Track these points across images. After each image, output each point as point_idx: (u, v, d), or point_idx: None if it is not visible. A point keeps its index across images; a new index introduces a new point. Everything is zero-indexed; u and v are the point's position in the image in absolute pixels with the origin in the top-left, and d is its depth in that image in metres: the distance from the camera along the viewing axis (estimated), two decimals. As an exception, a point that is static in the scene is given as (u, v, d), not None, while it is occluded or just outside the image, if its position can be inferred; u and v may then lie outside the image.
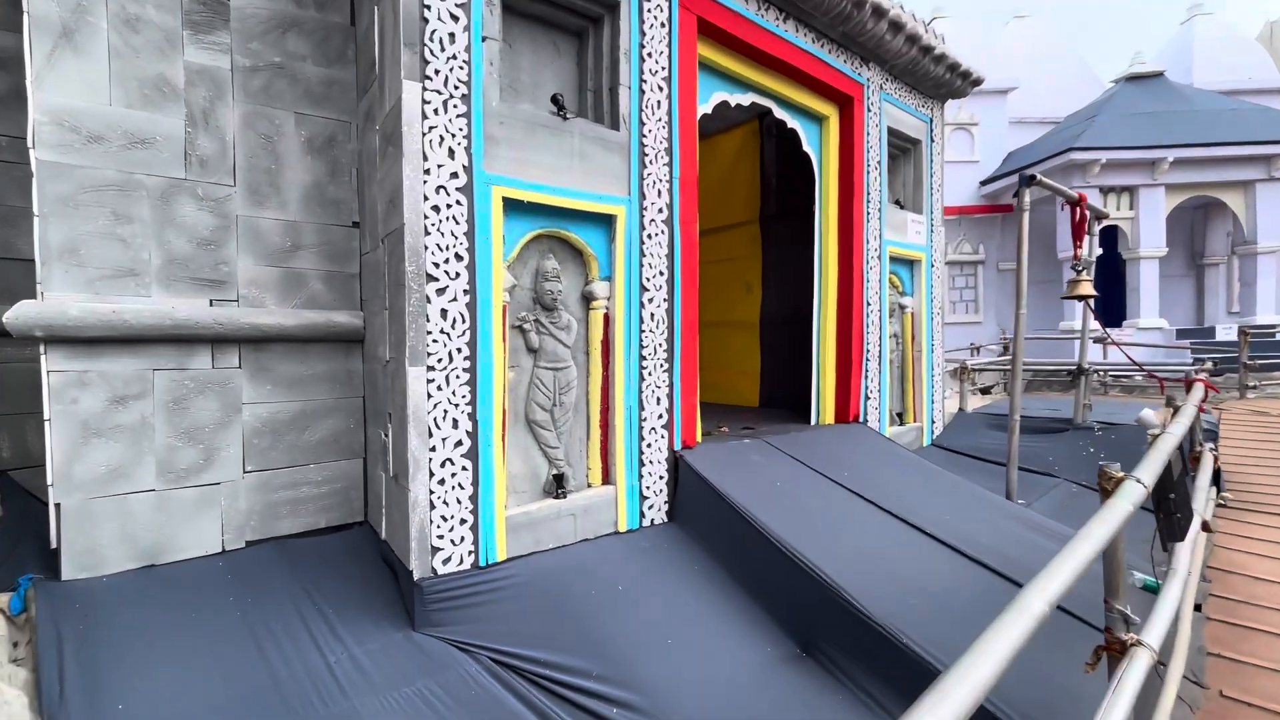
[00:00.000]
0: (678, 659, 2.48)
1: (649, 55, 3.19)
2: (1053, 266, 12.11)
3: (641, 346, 3.21)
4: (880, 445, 4.39)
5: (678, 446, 3.41)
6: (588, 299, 3.13)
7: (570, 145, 2.91)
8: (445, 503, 2.52)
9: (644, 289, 3.21)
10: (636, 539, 3.14)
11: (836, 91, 4.43)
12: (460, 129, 2.53)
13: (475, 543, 2.62)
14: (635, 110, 3.14)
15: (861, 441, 4.36)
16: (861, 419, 4.70)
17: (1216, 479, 4.02)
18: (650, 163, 3.22)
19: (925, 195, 5.40)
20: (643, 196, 3.19)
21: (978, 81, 5.46)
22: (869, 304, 4.74)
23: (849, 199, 4.58)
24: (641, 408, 3.22)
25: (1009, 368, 7.88)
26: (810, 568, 2.68)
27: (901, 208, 5.24)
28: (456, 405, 2.54)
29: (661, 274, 3.29)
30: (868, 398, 4.75)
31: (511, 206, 2.76)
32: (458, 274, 2.54)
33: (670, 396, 3.36)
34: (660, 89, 3.25)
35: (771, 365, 5.52)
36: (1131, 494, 1.68)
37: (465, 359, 2.56)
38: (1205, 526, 2.84)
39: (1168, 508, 2.23)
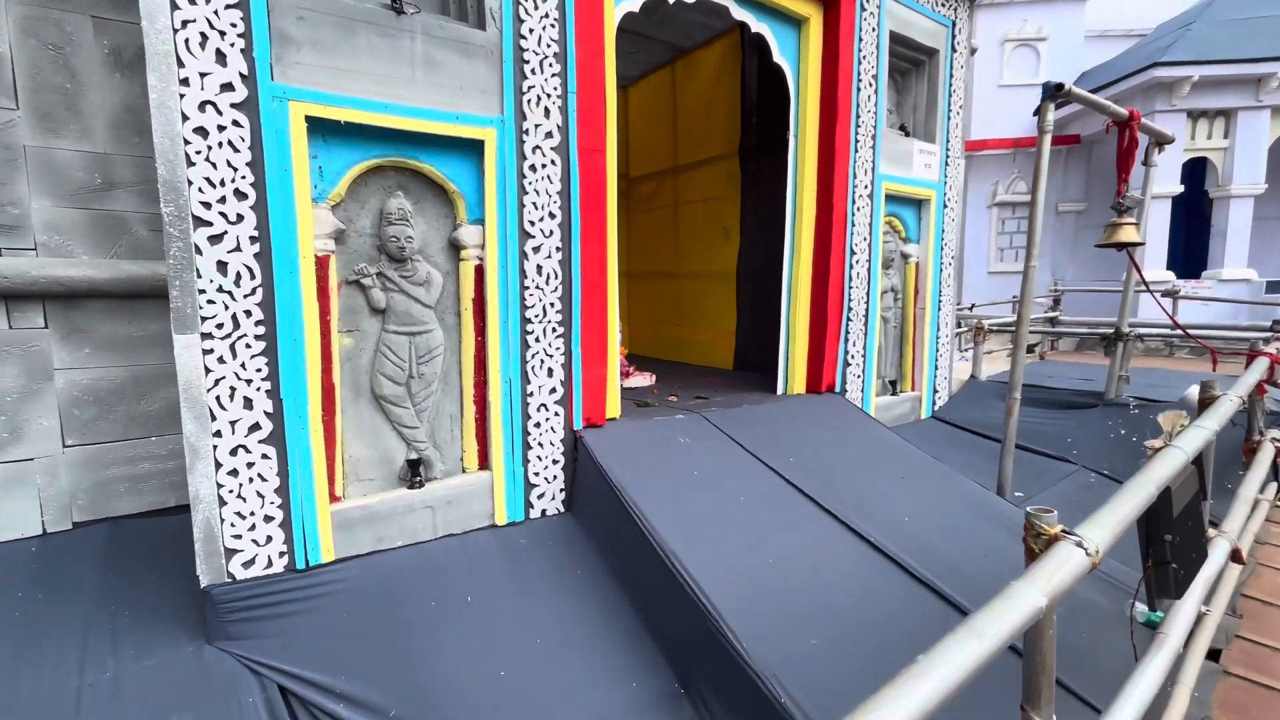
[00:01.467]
0: (511, 696, 2.02)
1: (529, -72, 2.46)
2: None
3: (524, 306, 2.64)
4: (852, 423, 3.73)
5: (579, 425, 2.87)
6: (456, 247, 2.56)
7: (410, 49, 2.27)
8: (241, 497, 2.09)
9: (526, 234, 2.61)
10: (516, 534, 2.67)
11: (817, -15, 3.54)
12: (233, 25, 1.94)
13: (289, 542, 2.19)
14: (508, 2, 2.45)
15: (829, 418, 3.71)
16: (839, 389, 4.02)
17: (1278, 473, 3.20)
18: (533, 72, 2.54)
19: (940, 120, 4.45)
20: (521, 116, 2.54)
21: (1018, -29, 4.36)
22: (853, 253, 3.96)
23: (831, 124, 3.75)
24: (526, 380, 2.68)
25: (1051, 326, 6.88)
26: (693, 589, 2.14)
27: (907, 135, 4.33)
28: (249, 381, 2.07)
29: (552, 216, 2.67)
30: (847, 364, 4.05)
31: (327, 129, 2.18)
32: (240, 216, 2.00)
33: (567, 367, 2.80)
34: (546, -26, 2.53)
35: (748, 323, 4.84)
36: (1065, 565, 1.05)
37: (259, 324, 2.07)
38: (1237, 556, 2.13)
39: (1160, 554, 1.56)
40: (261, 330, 2.07)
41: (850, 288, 3.98)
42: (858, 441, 3.50)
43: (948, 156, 4.54)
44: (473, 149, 2.47)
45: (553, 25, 2.56)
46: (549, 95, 2.59)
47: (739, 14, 3.45)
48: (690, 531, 2.43)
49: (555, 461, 2.80)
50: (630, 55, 5.24)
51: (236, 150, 1.98)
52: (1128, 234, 3.51)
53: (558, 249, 2.70)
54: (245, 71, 1.97)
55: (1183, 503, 1.62)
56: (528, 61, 2.52)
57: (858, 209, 3.94)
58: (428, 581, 2.36)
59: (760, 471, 2.95)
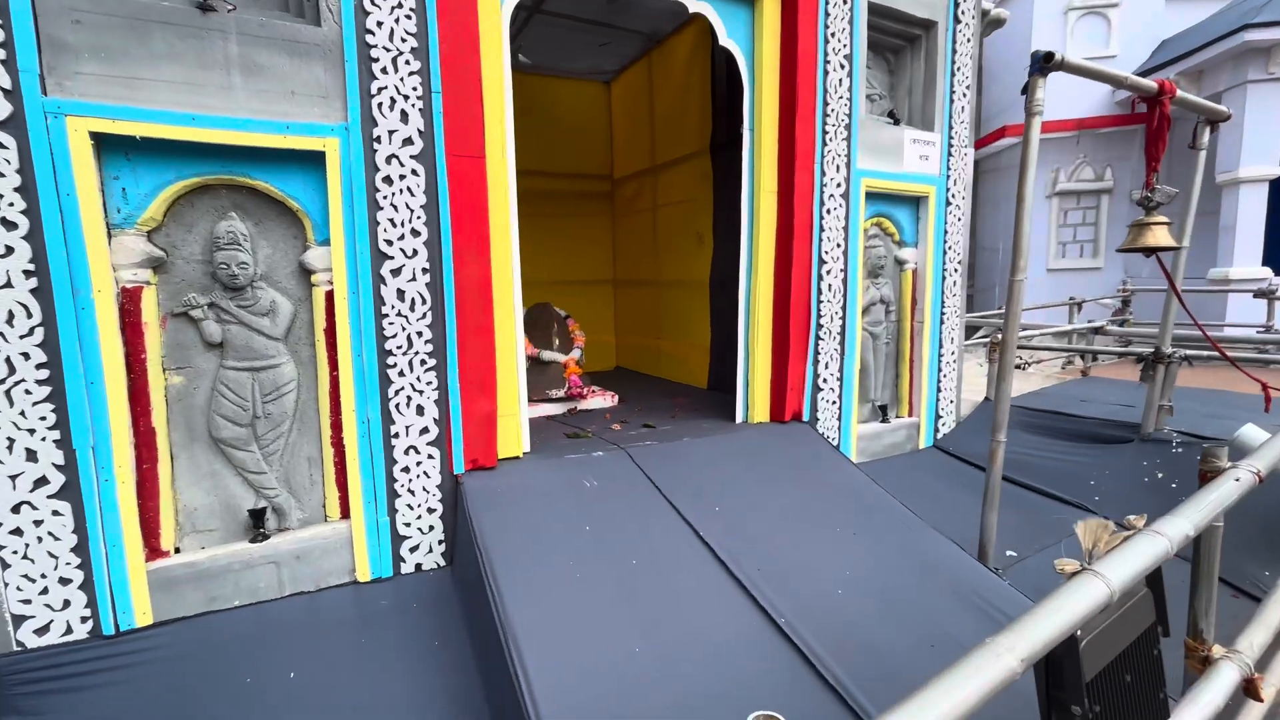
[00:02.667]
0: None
1: (373, -96, 2.14)
2: (1212, 195, 9.24)
3: (383, 336, 2.33)
4: (812, 460, 3.22)
5: (460, 469, 2.54)
6: (307, 272, 2.29)
7: (223, 52, 2.00)
8: (28, 558, 1.89)
9: (383, 255, 2.30)
10: (379, 593, 2.37)
11: (769, -49, 3.05)
12: (-11, 33, 1.72)
13: (92, 605, 1.98)
14: (347, -9, 2.14)
15: (784, 454, 3.22)
16: (807, 417, 3.51)
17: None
18: (384, 71, 2.23)
19: (941, 104, 3.83)
20: (370, 122, 2.23)
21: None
22: (823, 261, 3.44)
23: (791, 114, 3.24)
24: (389, 419, 2.38)
25: (1088, 343, 5.95)
26: (523, 692, 1.77)
27: (896, 122, 3.74)
28: (32, 431, 1.86)
29: (415, 234, 2.34)
30: (818, 388, 3.53)
31: (129, 147, 1.94)
32: (9, 248, 1.79)
33: (443, 403, 2.47)
34: (397, -43, 2.20)
35: (722, 339, 4.36)
36: None
37: (40, 367, 1.85)
38: (1252, 689, 1.55)
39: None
40: (45, 374, 1.86)
41: (820, 301, 3.46)
42: (812, 484, 3.00)
43: (951, 146, 3.91)
44: (314, 161, 2.18)
45: (408, 17, 2.24)
46: (406, 97, 2.27)
47: (672, -9, 3.01)
48: (549, 612, 2.05)
49: (431, 510, 2.48)
50: (603, 48, 4.86)
51: (2, 175, 1.76)
52: (1157, 236, 2.83)
53: (424, 270, 2.37)
54: (8, 86, 1.75)
55: (1109, 655, 1.12)
56: (377, 60, 2.20)
57: (828, 211, 3.41)
58: (258, 650, 2.09)
59: (671, 527, 2.53)
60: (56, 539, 1.91)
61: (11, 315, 1.80)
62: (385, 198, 2.27)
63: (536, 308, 4.52)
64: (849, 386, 3.66)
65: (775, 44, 3.24)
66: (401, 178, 2.29)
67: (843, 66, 3.35)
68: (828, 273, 3.47)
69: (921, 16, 3.67)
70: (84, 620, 1.97)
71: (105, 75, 1.86)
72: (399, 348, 2.36)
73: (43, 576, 1.91)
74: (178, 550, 2.19)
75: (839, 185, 3.44)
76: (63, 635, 1.95)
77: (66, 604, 1.95)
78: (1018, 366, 7.19)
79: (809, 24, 3.17)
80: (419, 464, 2.44)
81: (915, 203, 3.92)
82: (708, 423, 3.55)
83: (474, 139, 2.41)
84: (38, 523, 1.89)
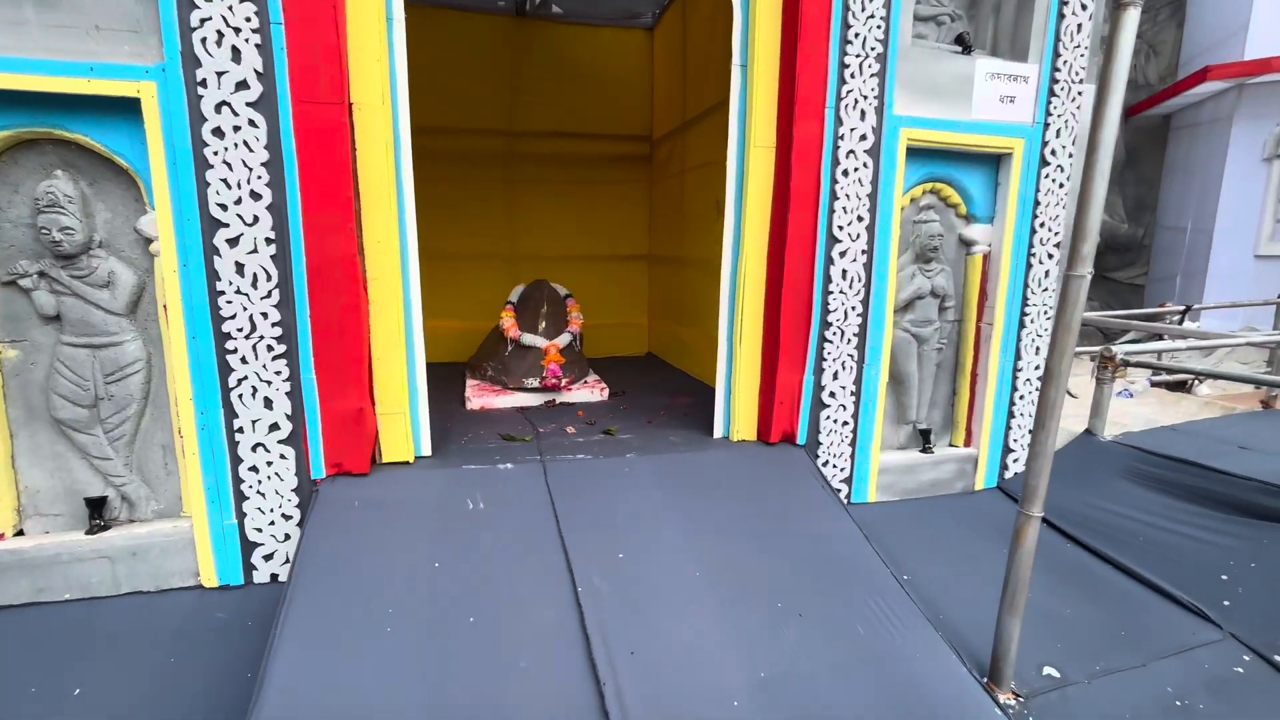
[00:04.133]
0: None
1: None
2: None
3: (220, 317, 2.01)
4: (786, 499, 2.49)
5: (319, 473, 2.20)
6: (147, 240, 2.03)
7: (10, -21, 1.73)
8: None
9: (216, 223, 1.96)
10: (221, 602, 2.12)
11: None
12: None
13: (-87, 584, 1.91)
14: (157, -99, 1.77)
15: (749, 488, 2.52)
16: (802, 439, 2.75)
17: None
18: (206, 0, 1.85)
19: (1044, 25, 2.74)
20: (193, 63, 1.87)
21: None
22: (834, 239, 2.62)
23: (791, 41, 2.44)
24: (232, 412, 2.08)
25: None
26: (228, 782, 1.38)
27: (966, 49, 2.74)
28: None
29: (256, 197, 1.98)
30: (821, 403, 2.75)
31: (-74, 96, 1.76)
32: None
33: (295, 395, 2.13)
34: None
35: (735, 329, 3.63)
36: None
37: None
38: None
39: None
40: None
41: (827, 292, 2.65)
42: (772, 534, 2.29)
43: (1054, 83, 2.81)
44: (135, 111, 1.88)
45: (235, -73, 1.83)
46: (237, 30, 1.88)
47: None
48: (324, 665, 1.64)
49: (287, 516, 2.17)
50: (630, -14, 4.20)
51: None
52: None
53: (268, 240, 2.01)
54: None
55: None
56: (195, -20, 1.83)
57: (844, 172, 2.57)
58: (65, 655, 1.92)
59: (545, 577, 2.00)
60: None
61: None
62: (216, 154, 1.92)
63: (532, 285, 4.10)
64: (869, 403, 2.81)
65: (777, -54, 2.44)
66: (236, 129, 1.93)
67: (875, -25, 2.45)
68: (841, 255, 2.64)
69: (1016, -104, 2.62)
70: (-95, 597, 1.91)
71: (-120, 14, 1.67)
72: (240, 330, 2.03)
73: None
74: (20, 533, 2.08)
75: (863, 138, 2.57)
76: (-117, 611, 1.89)
77: (-117, 580, 1.88)
78: (1181, 387, 5.55)
79: (822, -87, 2.33)
80: (269, 464, 2.13)
81: (993, 162, 2.90)
82: (678, 435, 2.92)
83: (331, 82, 1.97)
84: None
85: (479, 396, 3.51)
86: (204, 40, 1.86)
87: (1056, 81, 2.81)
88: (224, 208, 1.96)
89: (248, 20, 1.89)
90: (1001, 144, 2.81)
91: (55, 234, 1.92)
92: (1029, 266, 2.96)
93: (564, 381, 3.56)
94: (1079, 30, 2.79)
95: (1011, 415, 3.08)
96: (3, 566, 1.99)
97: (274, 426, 2.12)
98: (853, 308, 2.71)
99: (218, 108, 1.91)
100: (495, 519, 2.18)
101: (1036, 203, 2.90)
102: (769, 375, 2.72)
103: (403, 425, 2.36)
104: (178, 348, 2.01)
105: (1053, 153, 2.88)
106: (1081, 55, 2.83)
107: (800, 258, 2.58)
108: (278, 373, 2.09)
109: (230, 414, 2.07)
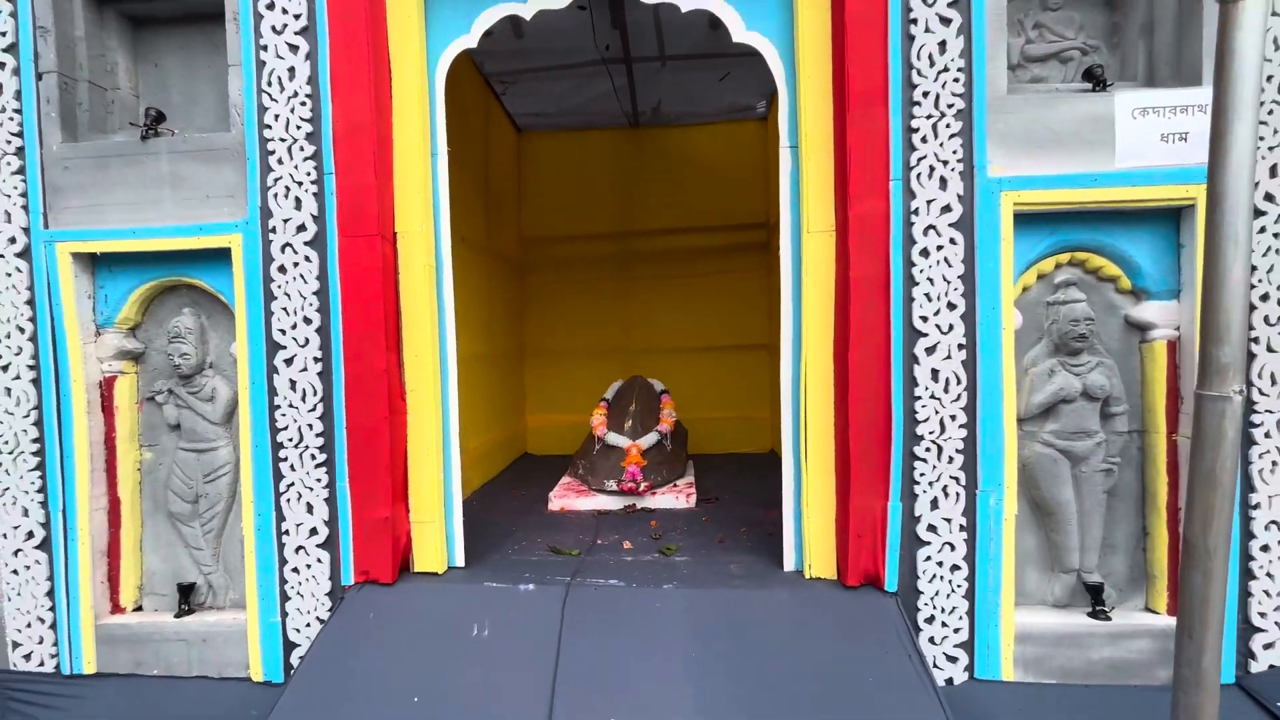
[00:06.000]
0: None
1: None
2: None
3: (275, 428, 2.25)
4: (849, 674, 1.91)
5: (348, 579, 2.26)
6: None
7: (157, 170, 2.26)
8: (22, 596, 2.34)
9: (276, 345, 2.24)
10: (258, 698, 2.24)
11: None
12: (16, 188, 2.27)
13: (59, 645, 2.34)
14: (250, 93, 2.20)
15: (802, 652, 1.99)
16: (892, 584, 2.15)
17: None
18: (280, 162, 2.20)
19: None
20: (266, 214, 2.22)
21: None
22: (918, 332, 2.11)
23: (842, 111, 2.13)
24: (281, 515, 2.27)
25: None
26: None
27: (1101, 84, 2.12)
28: (25, 493, 2.31)
29: (308, 321, 2.22)
30: (917, 538, 2.14)
31: (111, 260, 2.33)
32: (19, 349, 2.29)
33: (332, 502, 2.25)
34: (292, 51, 2.18)
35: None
36: None
37: (34, 441, 2.30)
38: None
39: None
40: (35, 448, 2.31)
41: (912, 397, 2.12)
42: None
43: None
44: (229, 257, 2.28)
45: (303, 104, 2.18)
46: (300, 184, 2.20)
47: (653, -6, 2.33)
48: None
49: (321, 620, 2.26)
50: (723, 82, 4.20)
51: (19, 291, 2.28)
52: None
53: (315, 359, 2.23)
54: (25, 225, 2.28)
55: None
56: (273, 152, 2.20)
57: (923, 252, 2.09)
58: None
59: (519, 727, 1.75)
60: (38, 584, 2.32)
61: (19, 399, 2.30)
62: (279, 286, 2.22)
63: (628, 383, 4.04)
64: (992, 541, 2.12)
65: (823, 18, 2.20)
66: (295, 265, 2.22)
67: (945, 22, 2.06)
68: (929, 352, 2.11)
69: (1153, -107, 2.05)
70: (52, 657, 2.34)
71: (82, 206, 2.28)
72: (290, 440, 2.25)
73: (29, 612, 2.33)
74: (139, 609, 2.46)
75: (945, 209, 2.08)
76: (38, 666, 2.34)
77: (41, 640, 2.34)
78: None
79: (866, -28, 2.05)
80: (309, 566, 2.26)
81: (1167, 219, 2.14)
82: (743, 564, 2.49)
83: (368, 216, 2.19)
84: (28, 568, 2.33)
85: (561, 497, 3.45)
86: (275, 195, 2.22)
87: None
88: (283, 332, 2.23)
89: (309, 174, 2.20)
90: (1175, 195, 2.07)
91: (177, 359, 2.35)
92: (1251, 355, 2.06)
93: (643, 485, 3.34)
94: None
95: (1249, 572, 2.08)
96: (116, 638, 2.34)
97: (313, 531, 2.26)
98: (951, 416, 2.11)
99: (282, 248, 2.22)
100: (492, 653, 2.01)
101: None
102: (843, 500, 2.21)
103: (436, 535, 2.36)
104: (245, 454, 2.28)
105: (1268, 196, 2.04)
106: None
107: (868, 357, 2.11)
108: (319, 480, 2.25)
109: (279, 516, 2.27)
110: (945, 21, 2.06)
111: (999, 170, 2.09)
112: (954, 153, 2.08)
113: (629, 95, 4.50)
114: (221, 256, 2.29)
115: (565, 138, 4.89)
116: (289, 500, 2.26)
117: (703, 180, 4.83)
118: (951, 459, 2.12)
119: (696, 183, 4.85)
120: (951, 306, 2.10)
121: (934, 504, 2.13)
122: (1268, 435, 2.06)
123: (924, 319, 2.11)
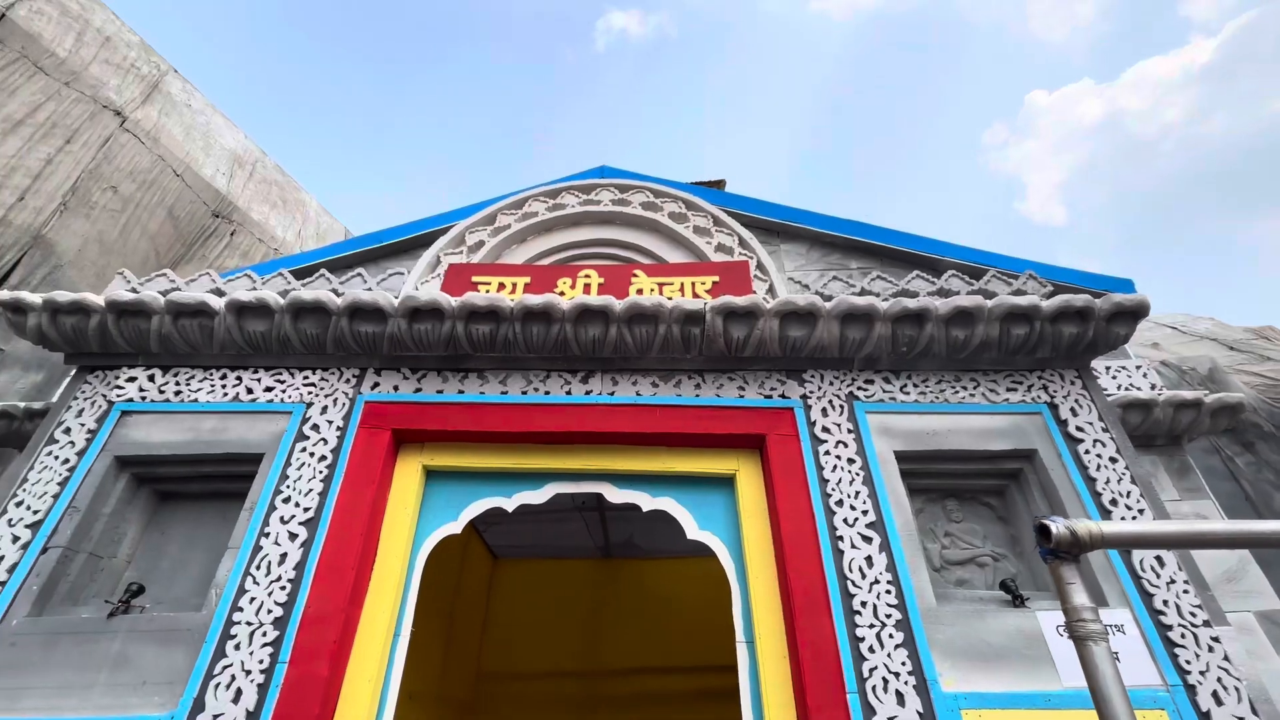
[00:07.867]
0: None
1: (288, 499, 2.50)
2: None
3: None
4: None
5: None
6: None
7: (104, 651, 2.20)
8: None
9: None
10: None
11: (730, 438, 2.72)
12: (-44, 667, 2.16)
13: None
14: (236, 576, 2.33)
15: None
16: None
17: None
18: (237, 648, 2.18)
19: (1106, 560, 2.38)
20: (198, 708, 2.07)
21: (1138, 312, 2.76)
22: None
23: (790, 619, 2.28)
24: None
25: None
26: None
27: (1015, 601, 2.35)
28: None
29: None
30: None
31: (-10, 755, 2.06)
32: None
33: None
34: (290, 539, 2.42)
35: None
36: None
37: None
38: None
39: None
40: None
41: None
42: None
43: (1164, 628, 2.22)
44: (136, 756, 2.03)
45: (282, 589, 2.30)
46: (248, 673, 2.13)
47: (619, 495, 2.75)
48: None
49: None
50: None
51: None
52: None
53: None
54: (-74, 710, 2.08)
55: None
56: (234, 636, 2.20)
57: (898, 782, 1.94)
58: None
59: None
60: None
61: None
62: (174, 806, 1.92)
63: None
64: None
65: (764, 528, 2.56)
66: (210, 777, 1.97)
67: (867, 540, 2.40)
68: None
69: (1004, 448, 2.67)
70: None
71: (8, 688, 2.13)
72: None
73: None
74: None
75: (910, 730, 2.03)
76: None
77: None
78: None
79: (792, 496, 2.49)
80: None
81: (1137, 744, 2.08)
82: None
83: (310, 717, 2.06)
84: None
85: None
86: (217, 686, 2.12)
87: (1169, 627, 2.21)
88: None
89: (260, 662, 2.16)
90: None
91: None
92: None
93: None
94: (1161, 563, 2.35)
95: None
96: None
97: None
98: None
99: (199, 753, 2.01)
100: None
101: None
102: None
103: None
104: None
105: (1222, 727, 2.04)
106: (1186, 591, 2.29)
107: None
108: None
109: None
110: (866, 539, 2.40)
111: (952, 685, 2.12)
112: (903, 664, 2.15)
113: (601, 530, 4.84)
114: (131, 741, 2.05)
115: (539, 566, 5.04)
116: None
117: (672, 617, 4.80)
118: None
119: (666, 618, 4.80)
120: None
121: None
122: None
123: None
